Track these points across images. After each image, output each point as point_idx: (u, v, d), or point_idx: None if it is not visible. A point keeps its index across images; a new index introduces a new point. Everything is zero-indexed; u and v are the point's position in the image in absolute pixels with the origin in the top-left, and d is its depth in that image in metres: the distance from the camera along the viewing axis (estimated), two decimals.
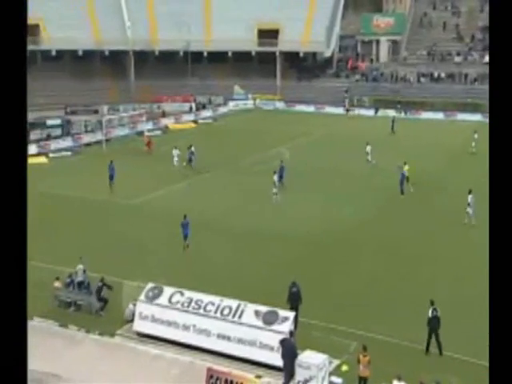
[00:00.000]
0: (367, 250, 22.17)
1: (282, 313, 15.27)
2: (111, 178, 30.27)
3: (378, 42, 65.00)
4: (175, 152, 35.38)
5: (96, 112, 52.27)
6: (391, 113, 55.00)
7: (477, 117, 50.76)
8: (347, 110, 56.50)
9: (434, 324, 15.01)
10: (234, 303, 15.68)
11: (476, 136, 38.35)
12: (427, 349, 15.02)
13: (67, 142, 42.20)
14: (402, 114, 54.66)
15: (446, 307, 15.92)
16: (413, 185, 29.08)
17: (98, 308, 17.37)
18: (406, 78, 59.58)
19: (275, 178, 28.27)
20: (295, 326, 15.37)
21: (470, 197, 24.47)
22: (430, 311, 15.18)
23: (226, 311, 15.52)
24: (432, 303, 15.27)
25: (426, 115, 53.52)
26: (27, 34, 9.58)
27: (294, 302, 16.35)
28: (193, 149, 35.53)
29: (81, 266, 18.80)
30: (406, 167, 29.28)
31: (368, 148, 35.55)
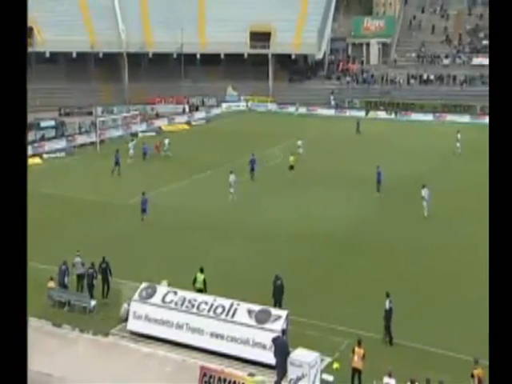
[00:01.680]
0: (365, 250, 22.21)
1: (275, 311, 15.27)
2: (144, 211, 25.54)
3: (368, 44, 65.21)
4: (131, 144, 36.65)
5: (90, 113, 52.06)
6: (382, 114, 55.26)
7: (465, 118, 51.04)
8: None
9: (389, 315, 15.48)
10: (226, 302, 15.65)
11: (459, 136, 38.50)
12: (390, 341, 15.37)
13: (61, 144, 42.10)
14: (392, 116, 54.86)
15: (442, 306, 15.95)
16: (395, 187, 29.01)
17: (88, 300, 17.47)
18: (396, 79, 59.81)
19: (231, 178, 28.22)
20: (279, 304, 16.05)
21: (423, 190, 25.33)
22: (387, 303, 15.55)
23: (218, 310, 15.49)
24: (388, 295, 15.64)
25: (416, 117, 53.73)
26: (27, 38, 9.53)
27: (278, 295, 16.59)
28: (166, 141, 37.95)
29: (78, 259, 18.79)
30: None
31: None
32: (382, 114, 55.48)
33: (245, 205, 27.58)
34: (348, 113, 56.87)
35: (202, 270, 17.60)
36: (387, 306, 15.52)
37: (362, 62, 64.62)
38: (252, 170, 30.07)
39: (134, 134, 44.82)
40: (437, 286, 18.98)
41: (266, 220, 25.43)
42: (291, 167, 31.95)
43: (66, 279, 18.09)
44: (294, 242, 22.80)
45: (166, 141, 38.70)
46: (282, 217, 25.86)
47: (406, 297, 17.58)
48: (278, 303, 16.55)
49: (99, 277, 18.03)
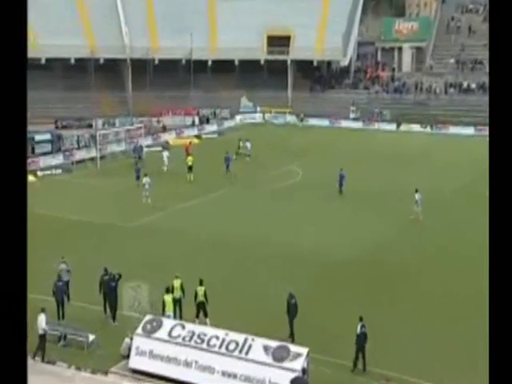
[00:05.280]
0: (382, 273, 22.39)
1: (294, 348, 15.37)
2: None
3: (400, 49, 65.74)
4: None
5: (89, 126, 53.04)
6: (415, 127, 55.42)
7: None
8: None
9: (361, 340, 15.99)
10: (240, 337, 15.79)
11: None
12: (355, 365, 16.04)
13: (58, 159, 42.77)
14: (428, 129, 55.01)
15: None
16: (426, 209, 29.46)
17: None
18: (432, 88, 60.06)
19: (144, 181, 31.92)
20: (292, 338, 16.96)
21: (416, 195, 28.89)
22: (359, 327, 16.15)
23: (231, 346, 15.63)
24: (361, 319, 16.28)
25: (455, 130, 53.82)
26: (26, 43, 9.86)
27: (293, 314, 17.45)
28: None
29: (64, 266, 19.16)
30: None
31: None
32: (415, 128, 55.68)
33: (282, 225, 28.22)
34: (377, 126, 57.17)
35: (201, 283, 18.33)
36: (358, 330, 16.16)
37: (393, 69, 65.13)
38: (341, 185, 33.26)
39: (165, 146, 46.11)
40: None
41: (303, 244, 25.77)
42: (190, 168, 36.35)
43: (64, 297, 18.50)
44: (324, 267, 23.02)
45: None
46: (320, 241, 26.30)
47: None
48: (291, 323, 17.49)
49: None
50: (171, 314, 18.22)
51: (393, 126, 56.35)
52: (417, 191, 29.18)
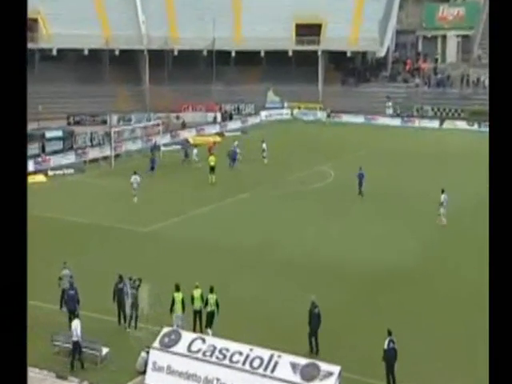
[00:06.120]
0: (430, 289, 22.17)
1: (325, 366, 15.30)
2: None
3: (444, 37, 65.27)
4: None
5: (104, 122, 53.65)
6: (461, 125, 54.87)
7: None
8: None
9: (389, 356, 15.92)
10: (266, 353, 15.79)
11: None
12: None
13: (69, 158, 43.27)
14: (475, 127, 54.41)
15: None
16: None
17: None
18: (480, 81, 59.32)
19: (133, 179, 32.94)
20: (317, 350, 17.34)
21: (442, 196, 28.90)
22: (387, 342, 16.03)
23: (256, 363, 15.63)
24: (389, 333, 16.08)
25: None
26: (30, 32, 9.99)
27: (315, 325, 17.67)
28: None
29: (67, 272, 19.41)
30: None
31: None
32: (461, 125, 55.14)
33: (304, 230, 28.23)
34: (417, 123, 56.75)
35: (212, 290, 18.53)
36: (386, 345, 16.08)
37: (436, 60, 64.61)
38: (360, 185, 33.60)
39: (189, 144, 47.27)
40: None
41: (328, 253, 25.78)
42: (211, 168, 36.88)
43: (77, 306, 18.82)
44: (351, 278, 22.97)
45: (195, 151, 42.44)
46: (350, 248, 26.28)
47: None
48: (314, 335, 17.65)
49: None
50: (180, 314, 18.59)
51: (435, 124, 55.89)
52: (443, 192, 29.23)
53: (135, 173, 33.58)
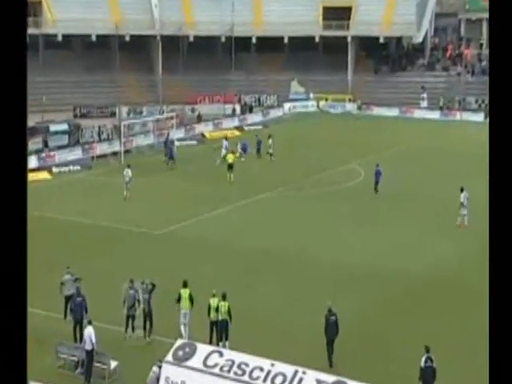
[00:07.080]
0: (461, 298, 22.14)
1: None
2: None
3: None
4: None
5: (112, 115, 53.98)
6: None
7: None
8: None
9: (427, 375, 15.78)
10: (289, 369, 15.78)
11: None
12: None
13: (75, 154, 43.63)
14: None
15: None
16: None
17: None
18: None
19: (125, 172, 33.72)
20: (330, 363, 17.41)
21: (462, 195, 28.58)
22: (423, 360, 15.88)
23: (278, 380, 15.63)
24: (427, 350, 15.93)
25: None
26: (27, 14, 9.99)
27: (332, 334, 17.80)
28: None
29: (68, 277, 19.67)
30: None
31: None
32: None
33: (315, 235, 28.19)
34: (459, 116, 56.36)
35: (224, 297, 18.56)
36: (422, 363, 15.91)
37: (481, 46, 64.09)
38: (376, 183, 33.87)
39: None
40: None
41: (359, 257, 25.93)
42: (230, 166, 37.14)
43: (84, 315, 18.95)
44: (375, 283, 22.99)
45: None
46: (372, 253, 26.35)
47: None
48: (330, 344, 17.75)
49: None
50: (187, 311, 18.94)
51: (479, 117, 55.39)
52: (462, 190, 28.88)
53: (128, 166, 34.43)
